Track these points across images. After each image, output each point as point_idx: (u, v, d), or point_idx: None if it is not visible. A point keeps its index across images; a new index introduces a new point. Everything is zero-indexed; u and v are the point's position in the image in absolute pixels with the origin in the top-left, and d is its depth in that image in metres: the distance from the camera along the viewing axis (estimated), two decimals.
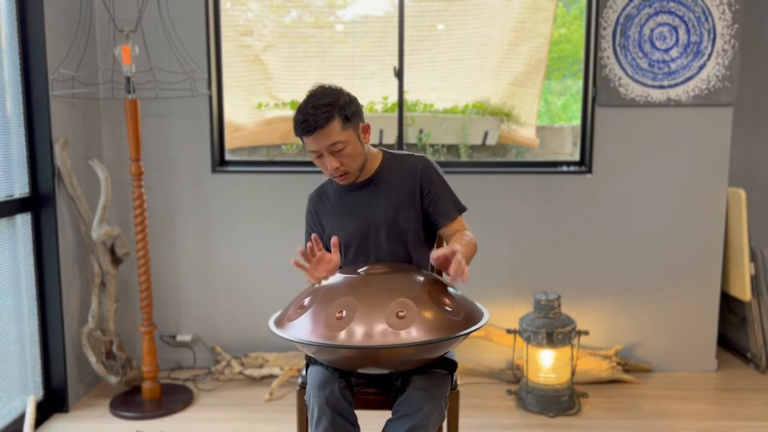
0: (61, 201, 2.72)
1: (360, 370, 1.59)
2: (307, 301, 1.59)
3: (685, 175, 3.09)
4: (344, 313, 1.49)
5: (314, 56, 3.27)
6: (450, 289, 1.64)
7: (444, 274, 1.84)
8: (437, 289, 1.60)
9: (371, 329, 1.45)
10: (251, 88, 3.29)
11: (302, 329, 1.51)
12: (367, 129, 1.84)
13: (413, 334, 1.45)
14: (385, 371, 1.58)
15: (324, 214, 1.94)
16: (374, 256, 1.87)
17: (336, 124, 1.72)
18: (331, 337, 1.46)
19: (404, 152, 1.94)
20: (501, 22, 3.25)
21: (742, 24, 2.98)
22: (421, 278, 1.63)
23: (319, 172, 3.13)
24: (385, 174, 1.88)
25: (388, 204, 1.86)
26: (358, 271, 1.66)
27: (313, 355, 1.59)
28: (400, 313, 1.48)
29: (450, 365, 1.73)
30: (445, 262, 1.57)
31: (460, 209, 1.88)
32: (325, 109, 1.71)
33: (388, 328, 1.45)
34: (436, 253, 1.58)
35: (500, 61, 3.29)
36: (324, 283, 1.64)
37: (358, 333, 1.45)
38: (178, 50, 2.98)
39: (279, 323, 1.60)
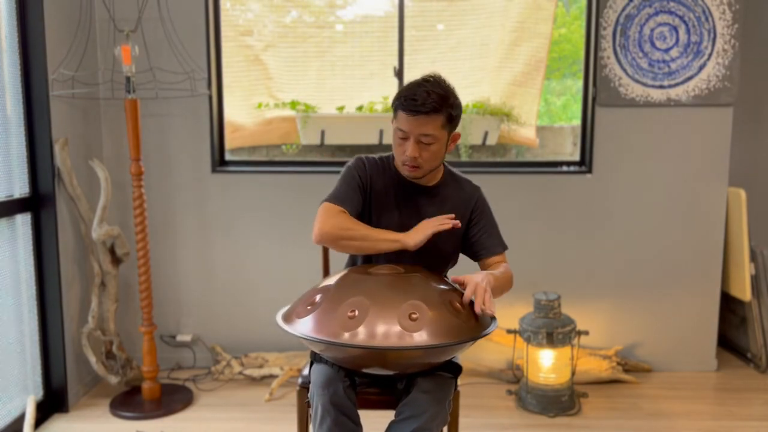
0: (61, 201, 2.72)
1: (367, 371, 1.58)
2: (318, 298, 1.58)
3: (685, 175, 3.09)
4: (357, 312, 1.48)
5: (314, 56, 3.27)
6: (461, 293, 1.64)
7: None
8: (449, 292, 1.60)
9: (384, 330, 1.44)
10: (251, 88, 3.28)
11: (313, 326, 1.50)
12: (456, 138, 1.80)
13: (425, 337, 1.44)
14: (393, 372, 1.58)
15: (375, 190, 1.82)
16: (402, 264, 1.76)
17: (439, 119, 1.69)
18: (343, 336, 1.45)
19: (461, 175, 1.91)
20: (501, 22, 3.25)
21: (742, 24, 2.98)
22: (434, 281, 1.63)
23: (319, 172, 3.13)
24: (443, 190, 1.85)
25: None
26: (369, 271, 1.65)
27: (321, 353, 1.58)
28: (413, 315, 1.47)
29: (455, 369, 1.73)
30: (462, 287, 1.63)
31: (504, 247, 1.86)
32: (438, 100, 1.67)
33: (401, 330, 1.44)
34: (457, 278, 1.62)
35: (500, 61, 3.29)
36: (334, 281, 1.63)
37: (370, 333, 1.44)
38: (178, 50, 2.98)
39: (287, 319, 1.59)
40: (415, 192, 1.84)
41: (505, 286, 1.75)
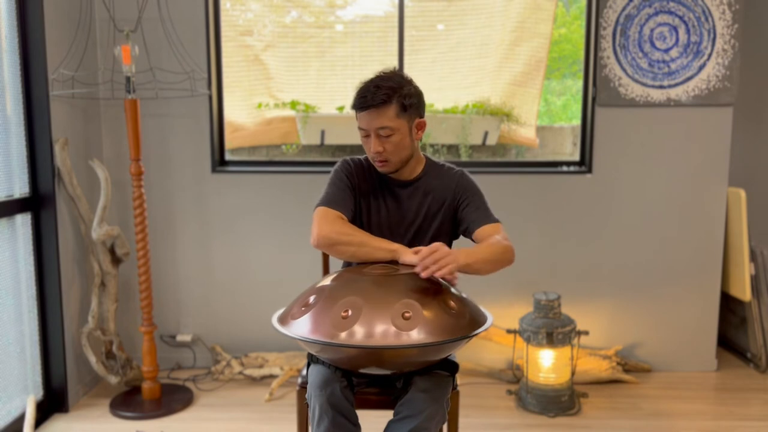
0: (61, 201, 2.72)
1: (363, 370, 1.58)
2: (312, 299, 1.58)
3: (685, 175, 3.09)
4: (350, 312, 1.48)
5: (314, 56, 3.27)
6: (455, 291, 1.64)
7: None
8: (443, 290, 1.60)
9: (377, 329, 1.45)
10: (251, 88, 3.28)
11: (307, 327, 1.51)
12: (421, 126, 1.81)
13: (419, 335, 1.45)
14: (388, 372, 1.58)
15: (361, 191, 1.87)
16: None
17: (391, 109, 1.71)
18: (336, 336, 1.45)
19: (443, 162, 1.92)
20: (501, 22, 3.25)
21: (742, 24, 2.98)
22: (428, 279, 1.63)
23: (319, 172, 3.14)
24: (425, 182, 1.86)
25: (422, 211, 1.85)
26: (363, 270, 1.66)
27: (316, 354, 1.58)
28: (406, 314, 1.48)
29: (452, 367, 1.73)
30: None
31: (494, 219, 1.83)
32: (386, 91, 1.69)
33: (394, 329, 1.45)
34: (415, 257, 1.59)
35: (500, 61, 3.29)
36: (329, 282, 1.63)
37: (363, 333, 1.44)
38: (178, 50, 2.98)
39: (282, 321, 1.60)
40: (398, 187, 1.86)
41: (494, 256, 1.68)
